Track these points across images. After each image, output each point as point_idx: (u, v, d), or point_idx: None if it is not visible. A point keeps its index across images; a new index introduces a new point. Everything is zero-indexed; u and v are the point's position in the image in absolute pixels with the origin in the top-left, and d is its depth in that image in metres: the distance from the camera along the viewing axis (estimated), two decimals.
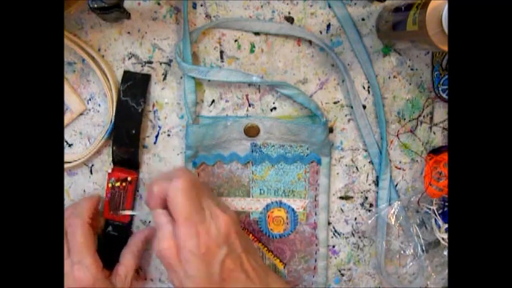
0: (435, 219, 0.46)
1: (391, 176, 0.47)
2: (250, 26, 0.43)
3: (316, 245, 0.48)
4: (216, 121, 0.44)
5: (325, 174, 0.46)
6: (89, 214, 0.43)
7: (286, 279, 0.49)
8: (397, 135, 0.46)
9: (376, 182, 0.47)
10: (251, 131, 0.44)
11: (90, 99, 0.45)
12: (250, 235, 0.48)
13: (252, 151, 0.45)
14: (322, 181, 0.46)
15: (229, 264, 0.37)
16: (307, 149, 0.45)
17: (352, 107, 0.45)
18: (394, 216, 0.46)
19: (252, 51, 0.44)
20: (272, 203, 0.47)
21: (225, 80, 0.42)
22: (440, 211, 0.46)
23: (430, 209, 0.46)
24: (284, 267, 0.49)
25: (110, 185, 0.45)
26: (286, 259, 0.48)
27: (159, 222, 0.38)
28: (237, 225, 0.39)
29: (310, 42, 0.44)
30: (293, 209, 0.47)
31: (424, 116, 0.46)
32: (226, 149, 0.45)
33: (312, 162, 0.46)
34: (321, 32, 0.44)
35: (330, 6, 0.43)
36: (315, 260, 0.48)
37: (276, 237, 0.48)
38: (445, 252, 0.47)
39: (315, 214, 0.47)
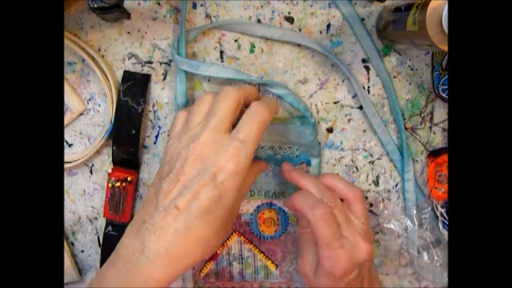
0: (443, 222, 0.46)
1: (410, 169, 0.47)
2: (253, 31, 0.43)
3: None
4: None
5: (315, 175, 0.46)
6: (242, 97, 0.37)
7: (278, 280, 0.49)
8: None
9: (376, 182, 0.47)
10: None
11: (90, 99, 0.45)
12: (242, 237, 0.48)
13: None
14: None
15: (354, 282, 0.39)
16: (297, 150, 0.45)
17: (352, 107, 0.45)
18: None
19: (252, 51, 0.44)
20: (263, 204, 0.47)
21: (215, 75, 0.42)
22: (445, 211, 0.46)
23: (437, 209, 0.46)
24: (276, 268, 0.48)
25: (110, 185, 0.45)
26: (278, 260, 0.48)
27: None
28: (373, 249, 0.42)
29: (312, 39, 0.44)
30: (284, 210, 0.47)
31: (424, 116, 0.46)
32: None
33: (301, 163, 0.45)
34: (320, 32, 0.44)
35: (330, 7, 0.43)
36: None
37: (267, 239, 0.48)
38: (446, 252, 0.47)
39: None
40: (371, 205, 0.48)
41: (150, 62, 0.44)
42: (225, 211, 0.34)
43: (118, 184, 0.45)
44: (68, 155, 0.46)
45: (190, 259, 0.34)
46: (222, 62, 0.44)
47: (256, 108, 0.37)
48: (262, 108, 0.37)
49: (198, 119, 0.37)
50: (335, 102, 0.45)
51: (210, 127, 0.35)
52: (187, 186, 0.34)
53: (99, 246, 0.48)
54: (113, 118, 0.44)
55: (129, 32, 0.44)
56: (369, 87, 0.45)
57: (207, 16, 0.43)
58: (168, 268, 0.33)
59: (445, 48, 0.32)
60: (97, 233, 0.48)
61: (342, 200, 0.41)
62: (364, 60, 0.44)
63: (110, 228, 0.47)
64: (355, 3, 0.43)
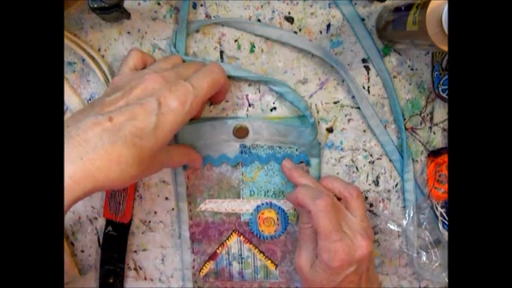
0: (443, 222, 0.46)
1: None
2: (253, 29, 0.43)
3: None
4: (203, 122, 0.44)
5: (314, 175, 0.46)
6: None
7: (277, 280, 0.49)
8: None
9: (376, 182, 0.47)
10: (240, 132, 0.44)
11: (90, 99, 0.45)
12: (241, 236, 0.48)
13: (242, 152, 0.45)
14: None
15: (351, 278, 0.40)
16: (296, 150, 0.45)
17: (351, 107, 0.45)
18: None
19: (252, 51, 0.44)
20: (262, 204, 0.47)
21: None
22: (445, 211, 0.46)
23: (437, 209, 0.46)
24: (276, 268, 0.48)
25: None
26: (278, 260, 0.48)
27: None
28: (372, 246, 0.41)
29: (310, 41, 0.44)
30: (283, 210, 0.47)
31: (424, 116, 0.46)
32: (215, 151, 0.45)
33: (301, 163, 0.45)
34: (321, 32, 0.44)
35: (330, 6, 0.43)
36: None
37: (267, 239, 0.48)
38: (446, 253, 0.47)
39: None
40: (371, 205, 0.48)
41: None
42: (153, 145, 0.34)
43: None
44: None
45: (102, 176, 0.32)
46: (222, 62, 0.44)
47: (212, 66, 0.39)
48: (217, 68, 0.40)
49: (163, 66, 0.39)
50: (335, 102, 0.45)
51: (176, 71, 0.37)
52: (129, 104, 0.34)
53: (99, 246, 0.48)
54: None
55: (129, 32, 0.44)
56: (368, 87, 0.45)
57: (207, 16, 0.43)
58: (77, 178, 0.31)
59: (445, 48, 0.32)
60: (97, 233, 0.48)
61: (339, 199, 0.43)
62: (364, 60, 0.44)
63: (109, 228, 0.47)
64: (356, 3, 0.43)
